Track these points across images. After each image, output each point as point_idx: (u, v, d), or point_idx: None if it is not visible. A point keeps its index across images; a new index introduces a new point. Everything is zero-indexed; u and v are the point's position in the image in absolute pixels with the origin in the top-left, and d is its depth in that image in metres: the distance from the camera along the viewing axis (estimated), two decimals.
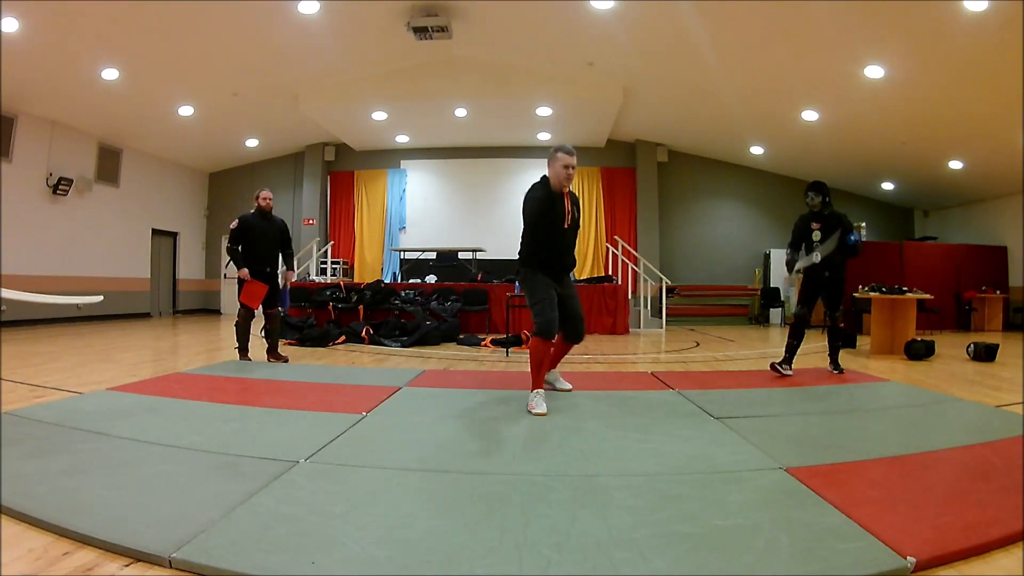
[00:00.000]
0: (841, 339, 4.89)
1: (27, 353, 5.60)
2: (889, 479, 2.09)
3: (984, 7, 5.55)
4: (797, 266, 4.71)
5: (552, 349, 3.51)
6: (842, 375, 4.59)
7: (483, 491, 1.96)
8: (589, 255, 11.83)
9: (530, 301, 3.42)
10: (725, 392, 3.77)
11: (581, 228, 3.78)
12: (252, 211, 5.14)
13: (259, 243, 5.05)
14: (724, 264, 12.10)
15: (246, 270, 4.95)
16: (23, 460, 2.17)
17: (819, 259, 4.55)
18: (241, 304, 5.03)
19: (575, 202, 3.51)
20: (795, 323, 4.68)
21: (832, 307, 4.73)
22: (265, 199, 5.16)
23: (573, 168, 3.38)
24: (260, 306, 5.08)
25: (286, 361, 5.18)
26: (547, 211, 3.33)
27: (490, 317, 8.68)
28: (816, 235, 4.64)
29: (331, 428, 2.71)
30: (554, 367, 3.87)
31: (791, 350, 4.56)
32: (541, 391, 3.32)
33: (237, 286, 5.09)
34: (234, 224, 5.02)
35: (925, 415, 3.27)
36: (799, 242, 4.76)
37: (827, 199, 4.64)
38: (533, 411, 3.17)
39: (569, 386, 3.84)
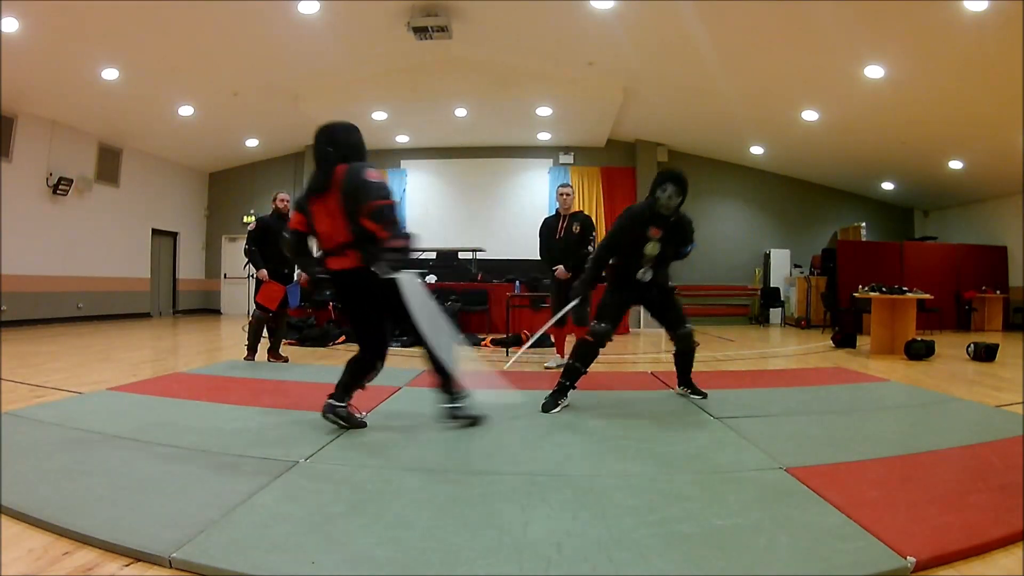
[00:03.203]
0: (691, 364, 3.62)
1: (27, 353, 5.60)
2: (889, 479, 2.09)
3: (984, 7, 5.55)
4: (581, 294, 3.59)
5: (564, 333, 5.12)
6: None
7: (483, 491, 1.96)
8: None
9: None
10: (725, 392, 3.76)
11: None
12: (269, 213, 5.16)
13: (278, 245, 5.08)
14: (724, 264, 12.09)
15: (265, 271, 4.96)
16: (23, 460, 2.17)
17: (649, 277, 3.37)
18: (257, 305, 5.04)
19: (579, 220, 4.88)
20: (591, 344, 3.38)
21: (676, 323, 3.49)
22: (283, 201, 5.17)
23: (564, 194, 4.95)
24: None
25: (286, 361, 5.18)
26: (544, 230, 5.05)
27: (490, 317, 8.68)
28: (653, 247, 3.34)
29: (331, 428, 2.71)
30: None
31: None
32: (558, 357, 5.12)
33: (255, 286, 5.12)
34: (252, 226, 5.06)
35: (925, 415, 3.27)
36: (625, 247, 3.40)
37: (682, 200, 3.40)
38: (545, 365, 5.10)
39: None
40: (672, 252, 3.46)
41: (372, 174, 2.61)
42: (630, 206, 3.61)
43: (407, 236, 2.61)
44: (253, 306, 5.14)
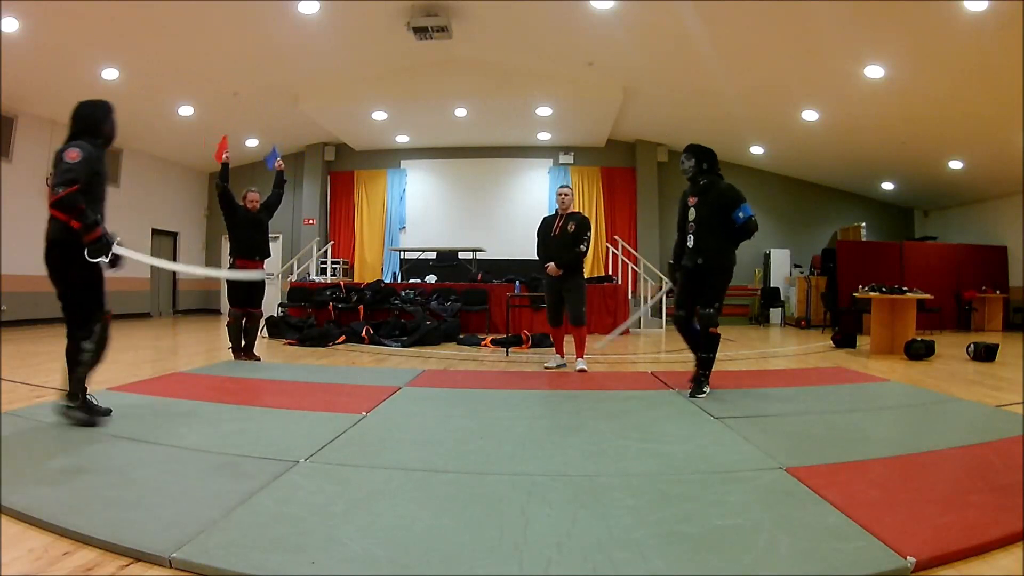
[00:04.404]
0: (714, 350, 3.63)
1: (27, 353, 5.60)
2: (889, 479, 2.09)
3: (984, 7, 5.55)
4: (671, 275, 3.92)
5: (561, 333, 5.16)
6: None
7: (483, 491, 1.96)
8: (590, 256, 11.81)
9: None
10: (725, 392, 3.76)
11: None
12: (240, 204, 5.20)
13: (246, 229, 5.10)
14: None
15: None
16: (23, 460, 2.17)
17: (692, 243, 3.62)
18: (231, 306, 5.10)
19: (574, 220, 4.91)
20: (679, 328, 3.80)
21: (704, 302, 3.58)
22: (252, 202, 5.20)
23: (563, 194, 4.99)
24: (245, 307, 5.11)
25: (258, 360, 5.15)
26: (541, 229, 5.07)
27: (490, 317, 8.68)
28: (692, 213, 3.63)
29: (331, 428, 2.71)
30: (579, 355, 4.94)
31: (705, 364, 3.68)
32: (557, 357, 5.17)
33: (225, 280, 5.17)
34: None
35: (925, 415, 3.27)
36: (682, 228, 3.79)
37: (705, 165, 3.64)
38: (545, 365, 5.14)
39: (585, 367, 4.83)
40: (716, 219, 3.56)
41: (69, 154, 2.59)
42: None
43: (97, 224, 2.62)
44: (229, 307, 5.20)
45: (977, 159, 9.37)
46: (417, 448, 2.50)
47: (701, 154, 3.66)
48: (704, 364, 3.63)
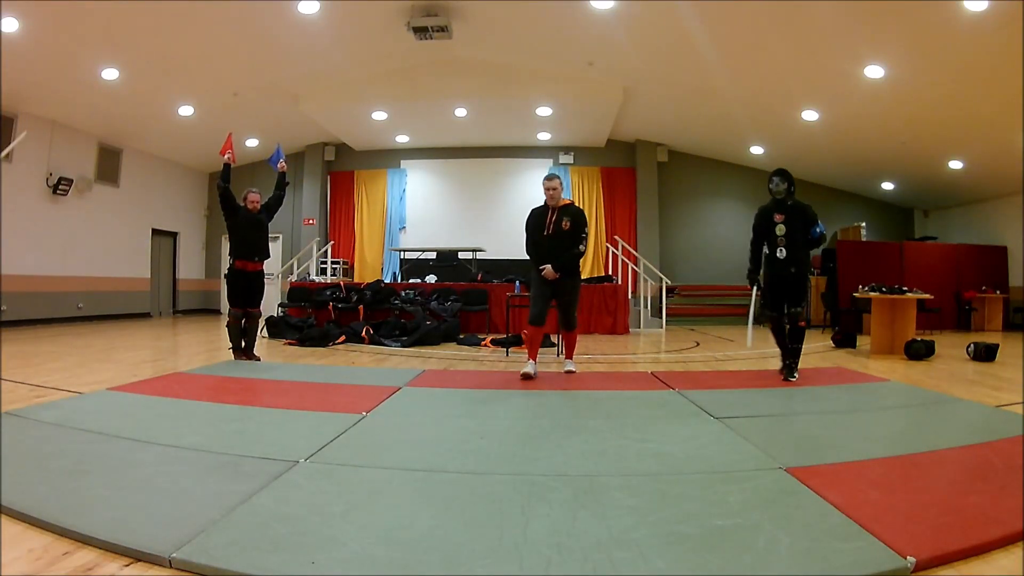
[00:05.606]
0: (802, 341, 4.37)
1: (27, 353, 5.60)
2: (889, 479, 2.09)
3: (984, 7, 5.55)
4: (752, 283, 4.48)
5: (541, 333, 4.60)
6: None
7: (483, 491, 1.96)
8: (589, 255, 11.82)
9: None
10: (725, 392, 3.76)
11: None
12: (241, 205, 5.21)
13: (247, 230, 5.09)
14: (724, 264, 12.09)
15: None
16: (23, 460, 2.17)
17: (784, 255, 4.26)
18: (231, 307, 5.10)
19: (569, 214, 4.42)
20: (773, 327, 4.43)
21: (794, 302, 4.29)
22: (253, 202, 5.19)
23: (550, 188, 4.44)
24: (245, 307, 5.10)
25: (258, 360, 5.15)
26: (531, 223, 4.52)
27: (490, 317, 8.68)
28: (780, 228, 4.30)
29: (331, 428, 2.71)
30: (568, 356, 4.75)
31: (795, 354, 4.31)
32: (532, 361, 4.38)
33: (225, 281, 5.17)
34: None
35: (925, 415, 3.27)
36: (761, 239, 4.41)
37: (792, 188, 4.34)
38: (521, 371, 4.32)
39: (573, 368, 4.62)
40: (801, 235, 4.24)
41: None
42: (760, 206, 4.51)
43: None
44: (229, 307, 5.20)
45: (977, 159, 9.37)
46: (417, 448, 2.50)
47: (791, 178, 4.32)
48: (795, 353, 4.29)
